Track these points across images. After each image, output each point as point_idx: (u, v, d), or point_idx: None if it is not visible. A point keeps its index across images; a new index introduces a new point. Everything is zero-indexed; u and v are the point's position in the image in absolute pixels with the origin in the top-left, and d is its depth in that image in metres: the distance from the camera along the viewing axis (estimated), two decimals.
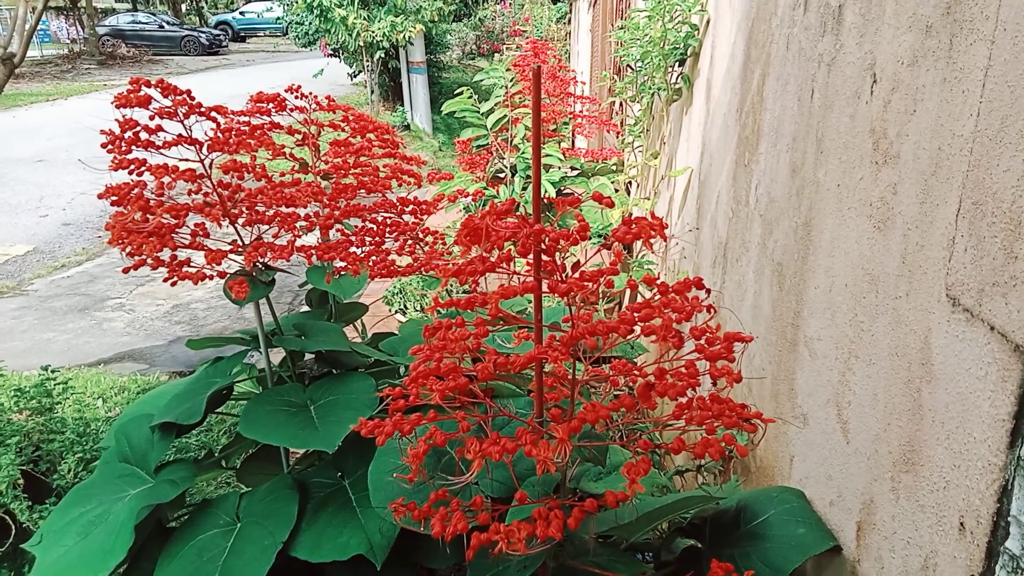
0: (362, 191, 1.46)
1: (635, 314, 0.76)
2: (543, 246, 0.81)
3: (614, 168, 3.40)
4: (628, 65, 2.97)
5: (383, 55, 9.67)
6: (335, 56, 10.94)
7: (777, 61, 1.35)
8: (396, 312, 3.29)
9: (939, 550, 0.78)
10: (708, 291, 0.82)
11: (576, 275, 0.81)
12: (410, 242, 1.52)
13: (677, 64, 2.10)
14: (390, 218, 1.50)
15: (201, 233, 1.21)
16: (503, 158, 3.18)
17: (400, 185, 1.45)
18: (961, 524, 0.74)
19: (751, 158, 1.51)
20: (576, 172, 3.43)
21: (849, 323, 1.02)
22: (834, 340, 1.07)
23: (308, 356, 1.52)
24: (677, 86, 2.15)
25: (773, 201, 1.36)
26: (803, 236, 1.20)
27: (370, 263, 1.22)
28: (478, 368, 0.80)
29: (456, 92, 3.16)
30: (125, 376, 3.74)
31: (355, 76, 11.92)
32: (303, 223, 1.30)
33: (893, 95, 0.91)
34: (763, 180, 1.43)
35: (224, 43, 22.61)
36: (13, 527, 1.98)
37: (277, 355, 1.50)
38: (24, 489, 2.05)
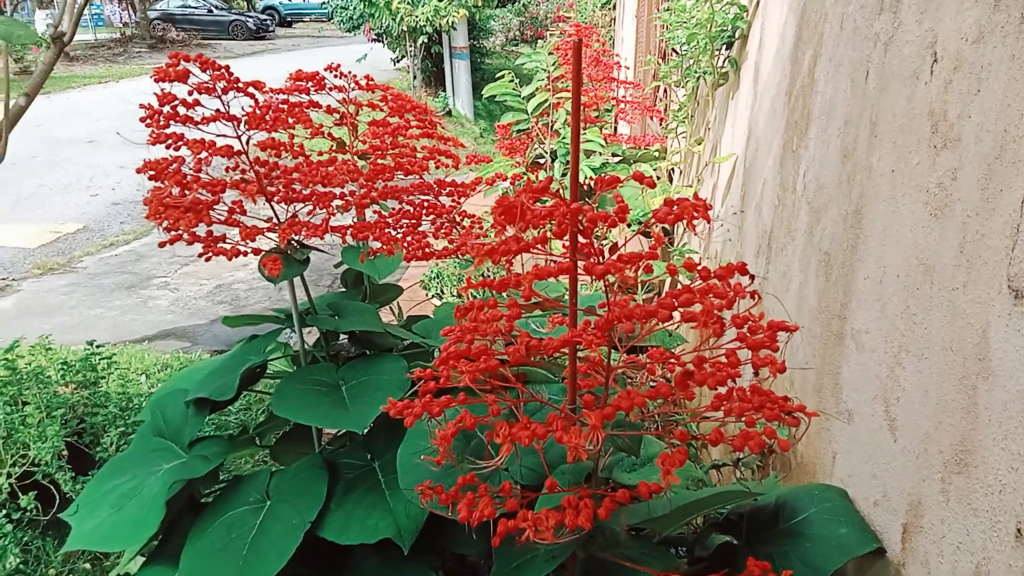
0: (399, 173, 1.45)
1: (674, 300, 0.73)
2: (580, 227, 0.79)
3: (656, 155, 3.34)
4: (673, 49, 2.90)
5: (426, 40, 9.67)
6: (379, 41, 10.97)
7: (830, 41, 1.30)
8: (433, 297, 3.28)
9: (993, 557, 0.74)
10: (752, 277, 0.78)
11: (614, 258, 0.78)
12: (447, 225, 1.50)
13: (724, 47, 2.04)
14: (427, 200, 1.48)
15: (238, 210, 1.21)
16: (543, 143, 3.14)
17: (437, 167, 1.44)
18: (1018, 531, 0.70)
19: (800, 143, 1.45)
20: (618, 159, 3.38)
21: (900, 315, 0.97)
22: (883, 333, 1.02)
23: (342, 337, 1.51)
24: (724, 70, 2.09)
25: (822, 188, 1.31)
26: (853, 224, 1.15)
27: (405, 244, 1.20)
28: (510, 351, 0.77)
29: (497, 76, 3.13)
30: (168, 353, 3.81)
31: (398, 61, 11.94)
32: (339, 202, 1.29)
33: (955, 74, 0.86)
34: (812, 166, 1.38)
35: (271, 28, 22.88)
36: (57, 497, 2.03)
37: (312, 336, 1.50)
38: (68, 460, 2.10)
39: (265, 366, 1.28)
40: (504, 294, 0.89)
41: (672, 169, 3.24)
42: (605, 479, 0.93)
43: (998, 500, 0.74)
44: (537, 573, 0.90)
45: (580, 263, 0.81)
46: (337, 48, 17.73)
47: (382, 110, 1.61)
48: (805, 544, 1.00)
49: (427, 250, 1.23)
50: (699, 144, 2.51)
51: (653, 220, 0.74)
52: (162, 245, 1.15)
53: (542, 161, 3.15)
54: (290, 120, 1.21)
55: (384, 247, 1.15)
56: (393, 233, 1.28)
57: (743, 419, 0.76)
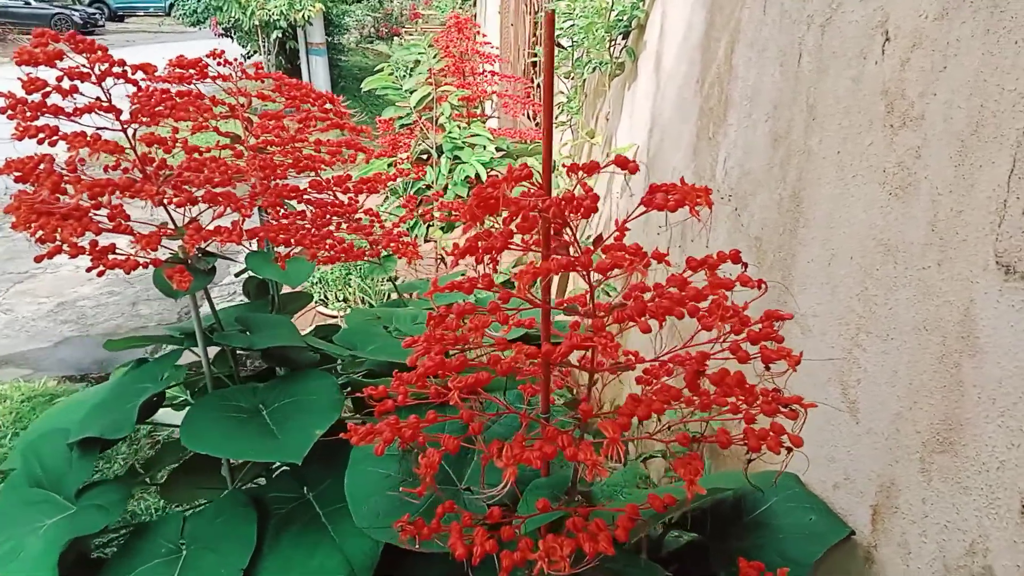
0: (291, 171, 1.31)
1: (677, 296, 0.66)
2: (555, 219, 0.71)
3: (538, 150, 3.32)
4: (557, 42, 2.89)
5: (280, 35, 9.24)
6: (227, 36, 10.36)
7: (750, 27, 1.29)
8: (318, 304, 3.10)
9: (991, 535, 0.74)
10: (745, 264, 0.73)
11: (596, 251, 0.71)
12: (345, 225, 1.38)
13: (621, 37, 2.03)
14: (329, 199, 1.35)
15: (120, 215, 1.03)
16: (427, 138, 3.04)
17: (348, 161, 1.31)
18: (1023, 506, 0.69)
19: (717, 131, 1.45)
20: (501, 154, 3.33)
21: (856, 297, 0.97)
22: (836, 316, 1.02)
23: (240, 353, 1.36)
24: (620, 60, 2.07)
25: (747, 174, 1.30)
26: (790, 208, 1.14)
27: (326, 246, 1.08)
28: (498, 362, 0.68)
29: (376, 69, 2.99)
30: (7, 383, 3.37)
31: (248, 58, 11.35)
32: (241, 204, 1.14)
33: (913, 52, 0.85)
34: (733, 152, 1.37)
35: (100, 22, 21.11)
36: None
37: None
38: None
39: (163, 394, 1.11)
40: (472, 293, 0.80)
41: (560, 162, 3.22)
42: (584, 491, 0.85)
43: (996, 477, 0.73)
44: None
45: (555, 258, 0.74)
46: (179, 44, 16.59)
47: (274, 100, 1.46)
48: (778, 536, 0.97)
49: (352, 251, 1.11)
50: (591, 136, 2.50)
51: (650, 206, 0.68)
52: (39, 259, 0.96)
53: (427, 157, 3.04)
54: (182, 112, 1.05)
55: (306, 251, 1.02)
56: (310, 233, 1.15)
57: (740, 416, 0.71)
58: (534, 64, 4.72)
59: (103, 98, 0.96)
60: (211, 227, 0.99)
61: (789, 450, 0.67)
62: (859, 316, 0.97)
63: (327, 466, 1.01)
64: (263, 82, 1.52)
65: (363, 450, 0.95)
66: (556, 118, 2.71)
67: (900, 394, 0.88)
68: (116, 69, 1.00)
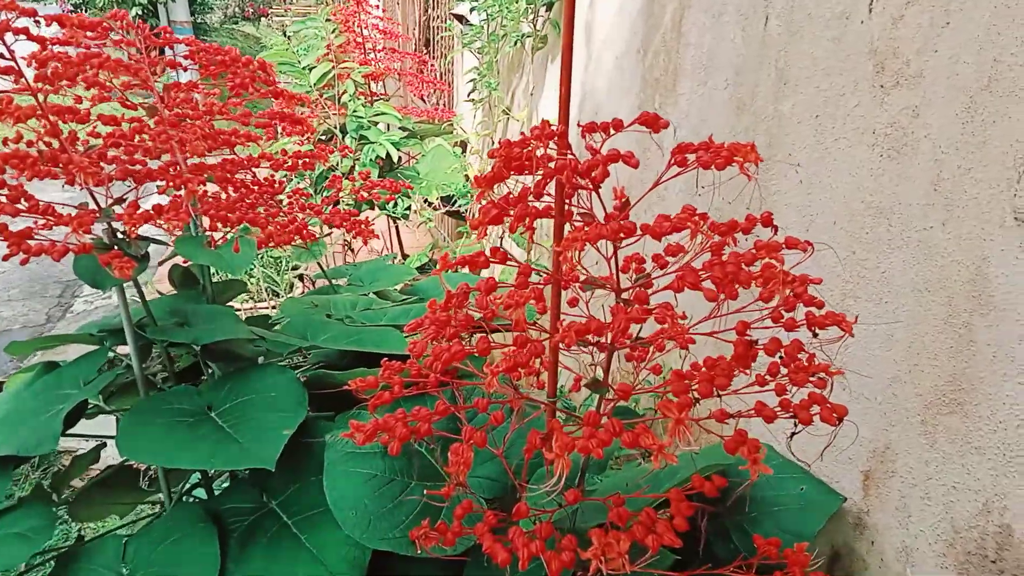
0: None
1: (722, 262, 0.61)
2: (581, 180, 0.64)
3: (446, 129, 3.22)
4: (457, 16, 2.80)
5: (140, 12, 8.58)
6: (78, 12, 9.53)
7: None
8: None
9: (1009, 493, 0.73)
10: (775, 228, 0.69)
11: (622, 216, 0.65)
12: (264, 209, 1.25)
13: (544, 8, 1.97)
14: (255, 176, 1.22)
15: (22, 194, 0.88)
16: (328, 117, 2.87)
17: (287, 135, 1.18)
18: None
19: (664, 102, 1.41)
20: (405, 134, 3.21)
21: (842, 263, 0.95)
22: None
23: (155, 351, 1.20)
24: (543, 33, 2.02)
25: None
26: (760, 177, 1.12)
27: (277, 226, 0.96)
28: (526, 344, 0.61)
29: (271, 44, 2.79)
30: None
31: None
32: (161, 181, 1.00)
33: (908, 9, 0.84)
34: (685, 123, 1.34)
35: None
36: None
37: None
38: None
39: (86, 401, 0.96)
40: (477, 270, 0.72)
41: (464, 143, 3.14)
42: (594, 478, 0.80)
43: (1015, 435, 0.73)
44: None
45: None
46: (21, 21, 15.09)
47: (186, 69, 1.30)
48: (772, 509, 0.95)
49: (307, 232, 1.00)
50: (507, 113, 2.43)
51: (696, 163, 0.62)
52: None
53: (328, 138, 2.88)
54: (99, 76, 0.90)
55: (252, 232, 0.89)
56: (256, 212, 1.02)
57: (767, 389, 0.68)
58: (427, 41, 4.60)
59: (5, 55, 0.80)
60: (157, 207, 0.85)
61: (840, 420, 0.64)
62: (845, 282, 0.95)
63: (288, 471, 0.90)
64: (173, 48, 1.36)
65: (339, 451, 0.85)
66: (468, 96, 2.63)
67: (897, 358, 0.88)
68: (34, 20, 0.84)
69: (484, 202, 0.67)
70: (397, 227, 3.27)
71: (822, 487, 0.98)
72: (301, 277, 3.57)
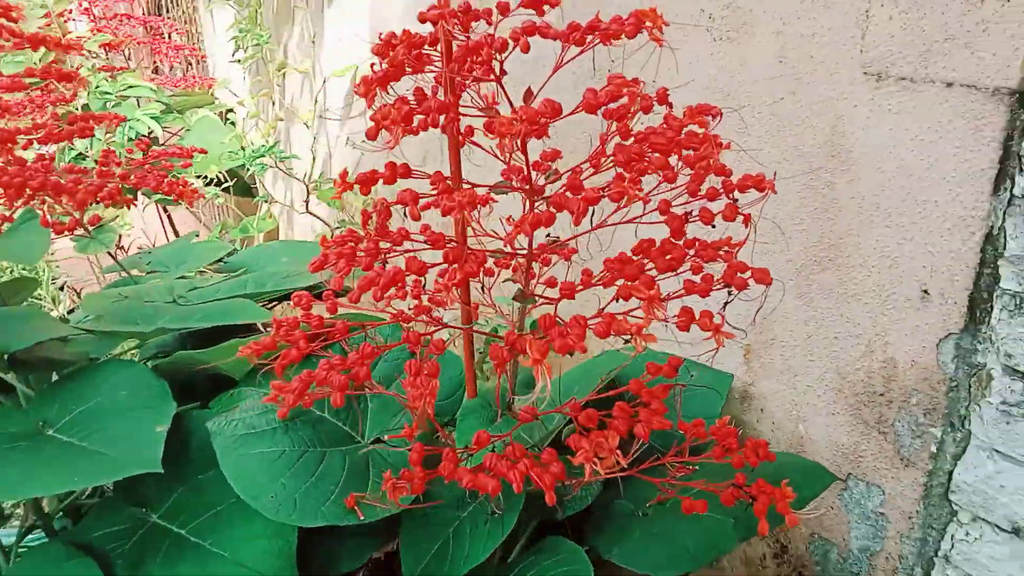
0: None
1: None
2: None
3: (207, 98, 2.93)
4: None
5: None
6: None
7: None
8: None
9: (891, 328, 0.80)
10: (670, 104, 0.68)
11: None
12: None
13: None
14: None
15: None
16: (65, 98, 2.48)
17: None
18: (924, 291, 0.76)
19: None
20: (161, 108, 2.87)
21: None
22: None
23: None
24: None
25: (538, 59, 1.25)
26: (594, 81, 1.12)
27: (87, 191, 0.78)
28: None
29: None
30: None
31: None
32: None
33: None
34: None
35: None
36: None
37: None
38: None
39: None
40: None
41: (229, 111, 2.88)
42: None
43: (888, 275, 0.79)
44: (478, 551, 0.70)
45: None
46: None
47: None
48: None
49: (118, 196, 0.83)
50: (280, 68, 2.25)
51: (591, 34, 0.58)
52: None
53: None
54: None
55: (78, 202, 0.72)
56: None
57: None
58: (158, 5, 4.14)
59: None
60: None
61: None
62: None
63: (163, 477, 0.76)
64: None
65: (228, 436, 0.73)
66: (233, 56, 2.40)
67: (765, 234, 0.92)
68: None
69: (374, 110, 0.58)
70: (169, 214, 2.95)
71: (709, 370, 1.02)
72: (62, 288, 3.12)
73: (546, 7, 0.59)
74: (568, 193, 0.53)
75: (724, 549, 0.74)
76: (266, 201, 2.15)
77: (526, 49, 0.56)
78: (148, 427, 0.71)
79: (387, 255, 0.58)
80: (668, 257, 0.56)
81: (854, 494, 0.88)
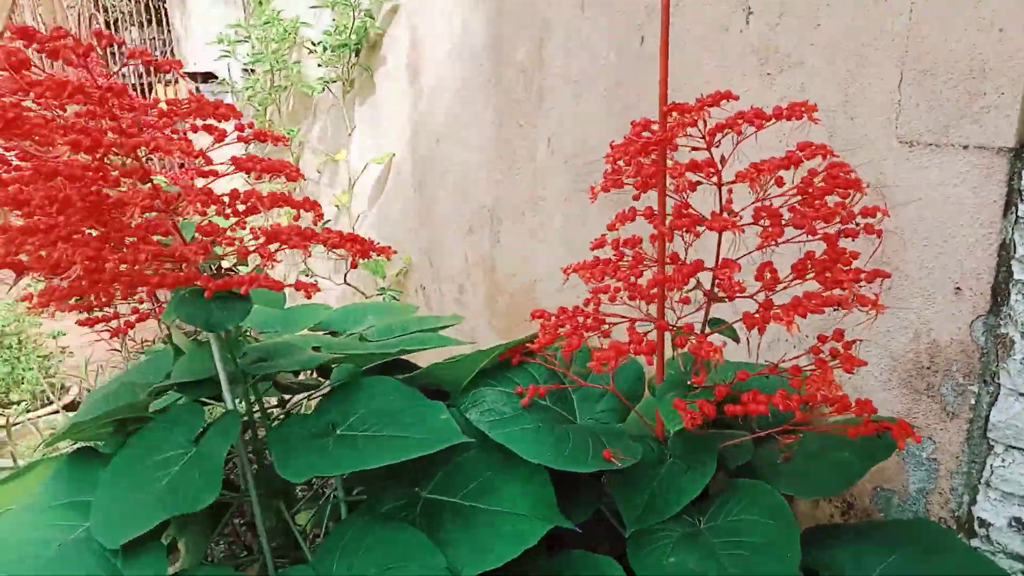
0: None
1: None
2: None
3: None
4: (202, 74, 2.75)
5: None
6: None
7: (562, 23, 1.55)
8: None
9: (932, 318, 1.12)
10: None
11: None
12: None
13: (353, 54, 2.08)
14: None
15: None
16: None
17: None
18: (957, 288, 1.09)
19: (530, 121, 1.67)
20: None
21: None
22: None
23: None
24: (352, 77, 2.13)
25: (591, 149, 1.55)
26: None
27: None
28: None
29: None
30: None
31: None
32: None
33: (782, 19, 1.21)
34: (560, 131, 1.61)
35: None
36: None
37: None
38: None
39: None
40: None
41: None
42: None
43: (928, 281, 1.12)
44: (689, 491, 0.94)
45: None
46: None
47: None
48: None
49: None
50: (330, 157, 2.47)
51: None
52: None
53: None
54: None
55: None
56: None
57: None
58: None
59: None
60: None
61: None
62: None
63: (419, 462, 0.97)
64: None
65: (482, 421, 0.95)
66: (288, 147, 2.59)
67: None
68: None
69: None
70: None
71: None
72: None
73: None
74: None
75: (854, 479, 1.00)
76: (306, 275, 2.32)
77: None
78: (434, 416, 0.92)
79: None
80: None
81: (911, 448, 1.18)
